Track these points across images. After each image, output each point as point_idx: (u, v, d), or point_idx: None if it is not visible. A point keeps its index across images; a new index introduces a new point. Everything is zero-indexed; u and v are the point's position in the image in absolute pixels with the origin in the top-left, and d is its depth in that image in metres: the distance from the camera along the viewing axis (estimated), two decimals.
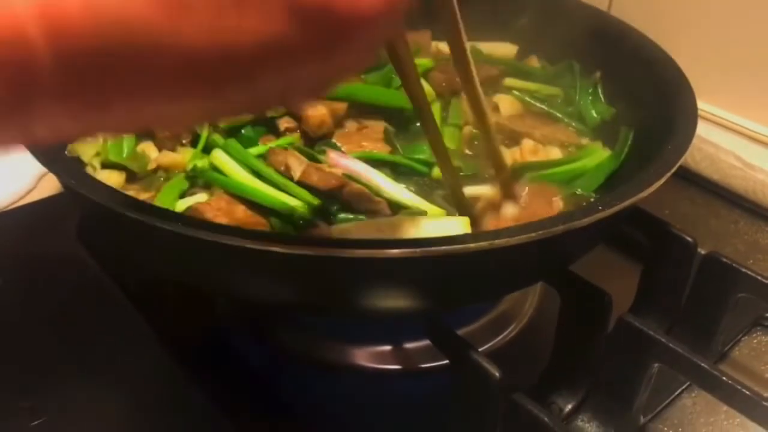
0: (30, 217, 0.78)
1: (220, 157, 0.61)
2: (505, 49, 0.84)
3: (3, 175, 0.81)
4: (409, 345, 0.66)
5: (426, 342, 0.59)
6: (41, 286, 0.69)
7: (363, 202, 0.58)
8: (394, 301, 0.49)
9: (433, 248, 0.43)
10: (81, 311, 0.66)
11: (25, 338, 0.63)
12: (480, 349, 0.65)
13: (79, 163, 0.64)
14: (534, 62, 0.83)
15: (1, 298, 0.67)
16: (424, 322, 0.57)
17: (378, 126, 0.69)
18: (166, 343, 0.63)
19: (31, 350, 0.62)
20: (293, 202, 0.57)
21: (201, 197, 0.60)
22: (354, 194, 0.58)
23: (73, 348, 0.62)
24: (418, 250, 0.42)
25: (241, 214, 0.58)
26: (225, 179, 0.60)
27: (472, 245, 0.43)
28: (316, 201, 0.57)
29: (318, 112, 0.66)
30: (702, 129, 0.84)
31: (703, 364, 0.52)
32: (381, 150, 0.66)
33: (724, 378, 0.51)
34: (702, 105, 0.86)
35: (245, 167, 0.61)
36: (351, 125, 0.69)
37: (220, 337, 0.68)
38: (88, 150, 0.64)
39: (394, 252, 0.42)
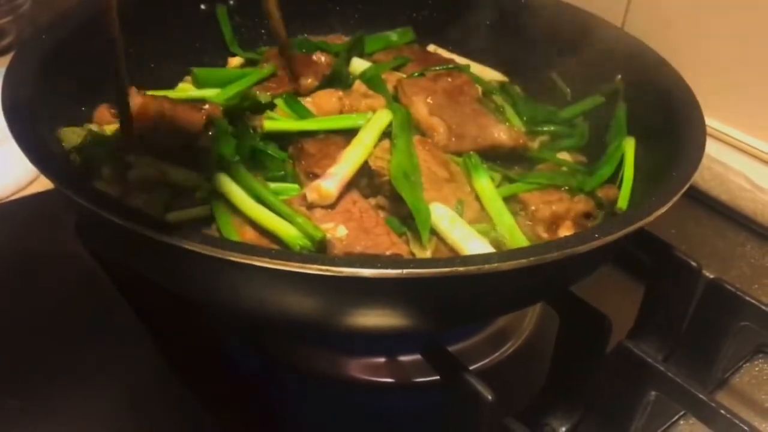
0: (30, 209, 0.77)
1: (226, 183, 0.60)
2: (492, 75, 0.84)
3: (5, 165, 0.80)
4: (402, 358, 0.65)
5: (420, 356, 0.58)
6: (35, 281, 0.68)
7: None
8: (385, 320, 0.49)
9: (419, 270, 0.42)
10: (74, 309, 0.65)
11: (15, 334, 0.62)
12: (475, 366, 0.65)
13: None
14: None
15: None
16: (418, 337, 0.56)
17: None
18: (160, 345, 0.62)
19: (21, 347, 0.61)
20: (294, 232, 0.56)
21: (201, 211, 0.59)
22: None
23: (64, 346, 0.61)
24: (403, 271, 0.42)
25: (249, 234, 0.57)
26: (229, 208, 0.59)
27: (461, 269, 0.42)
28: (319, 234, 0.55)
29: None
30: (712, 148, 0.83)
31: (700, 395, 0.51)
32: None
33: (721, 410, 0.50)
34: (713, 123, 0.84)
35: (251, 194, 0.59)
36: None
37: (213, 340, 0.67)
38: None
39: (382, 272, 0.42)
